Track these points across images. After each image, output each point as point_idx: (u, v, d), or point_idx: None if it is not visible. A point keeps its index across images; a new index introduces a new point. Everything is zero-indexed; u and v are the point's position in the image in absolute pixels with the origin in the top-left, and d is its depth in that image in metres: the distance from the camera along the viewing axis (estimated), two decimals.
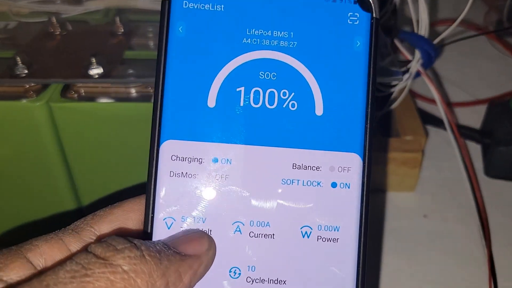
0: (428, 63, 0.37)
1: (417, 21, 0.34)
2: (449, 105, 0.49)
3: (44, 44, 0.33)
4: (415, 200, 0.39)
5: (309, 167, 0.19)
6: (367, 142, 0.19)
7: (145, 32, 0.34)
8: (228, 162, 0.19)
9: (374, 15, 0.19)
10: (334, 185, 0.19)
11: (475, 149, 0.43)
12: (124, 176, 0.31)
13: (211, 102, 0.19)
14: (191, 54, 0.19)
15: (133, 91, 0.29)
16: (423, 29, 0.34)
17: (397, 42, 0.35)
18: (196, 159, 0.19)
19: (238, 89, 0.19)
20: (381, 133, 0.41)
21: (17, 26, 0.36)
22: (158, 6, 0.38)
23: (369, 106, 0.19)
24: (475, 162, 0.42)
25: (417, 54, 0.36)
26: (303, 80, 0.19)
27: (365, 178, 0.19)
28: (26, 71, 0.29)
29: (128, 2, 0.38)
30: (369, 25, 0.19)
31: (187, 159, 0.19)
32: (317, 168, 0.19)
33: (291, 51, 0.19)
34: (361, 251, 0.19)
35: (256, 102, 0.19)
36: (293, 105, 0.19)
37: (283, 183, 0.19)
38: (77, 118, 0.28)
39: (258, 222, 0.19)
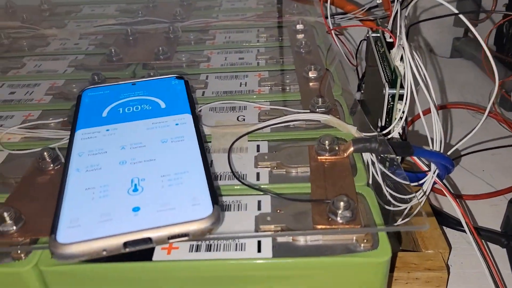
0: (444, 174, 0.34)
1: (431, 139, 0.32)
2: (463, 197, 0.47)
3: (36, 185, 0.31)
4: None
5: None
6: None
7: None
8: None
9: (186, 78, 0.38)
10: None
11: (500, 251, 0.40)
12: None
13: None
14: None
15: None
16: (437, 146, 0.32)
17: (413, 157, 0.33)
18: None
19: None
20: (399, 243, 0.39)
21: (7, 158, 0.34)
22: None
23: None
24: (503, 265, 0.39)
25: (433, 167, 0.34)
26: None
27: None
28: (14, 228, 0.27)
29: None
30: (183, 83, 0.37)
31: None
32: None
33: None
34: None
35: None
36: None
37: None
38: (72, 282, 0.25)
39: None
